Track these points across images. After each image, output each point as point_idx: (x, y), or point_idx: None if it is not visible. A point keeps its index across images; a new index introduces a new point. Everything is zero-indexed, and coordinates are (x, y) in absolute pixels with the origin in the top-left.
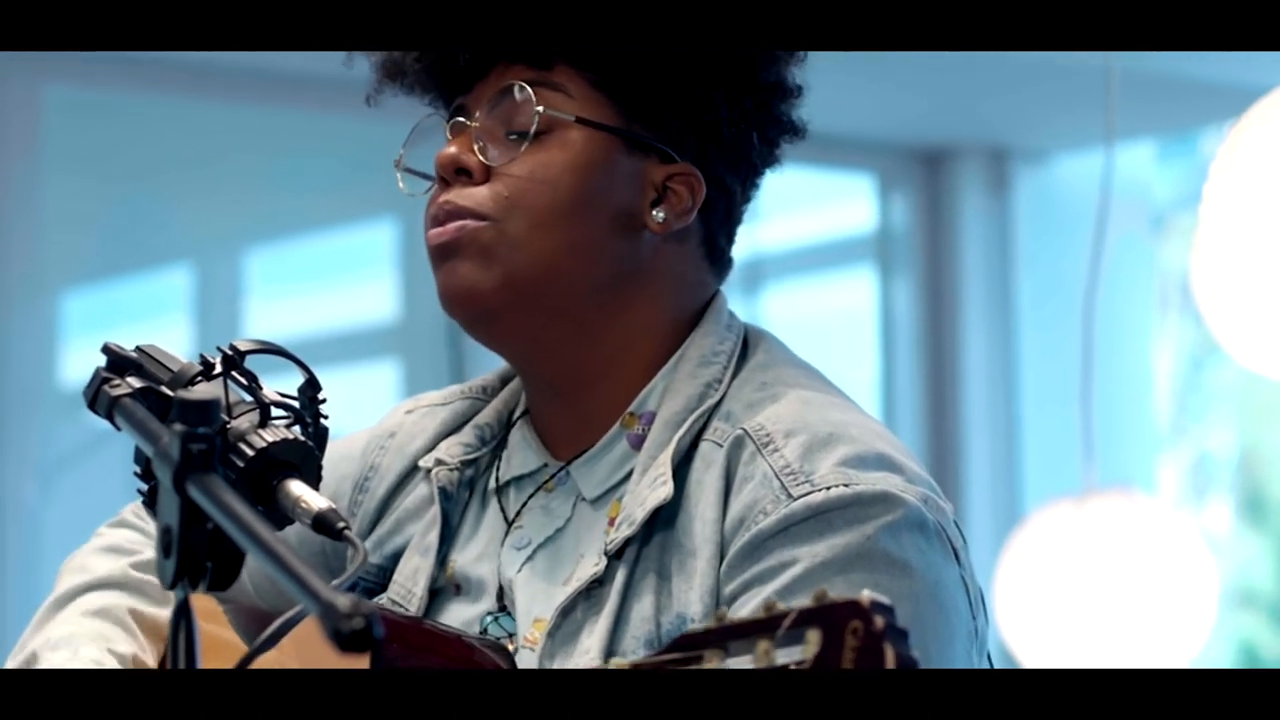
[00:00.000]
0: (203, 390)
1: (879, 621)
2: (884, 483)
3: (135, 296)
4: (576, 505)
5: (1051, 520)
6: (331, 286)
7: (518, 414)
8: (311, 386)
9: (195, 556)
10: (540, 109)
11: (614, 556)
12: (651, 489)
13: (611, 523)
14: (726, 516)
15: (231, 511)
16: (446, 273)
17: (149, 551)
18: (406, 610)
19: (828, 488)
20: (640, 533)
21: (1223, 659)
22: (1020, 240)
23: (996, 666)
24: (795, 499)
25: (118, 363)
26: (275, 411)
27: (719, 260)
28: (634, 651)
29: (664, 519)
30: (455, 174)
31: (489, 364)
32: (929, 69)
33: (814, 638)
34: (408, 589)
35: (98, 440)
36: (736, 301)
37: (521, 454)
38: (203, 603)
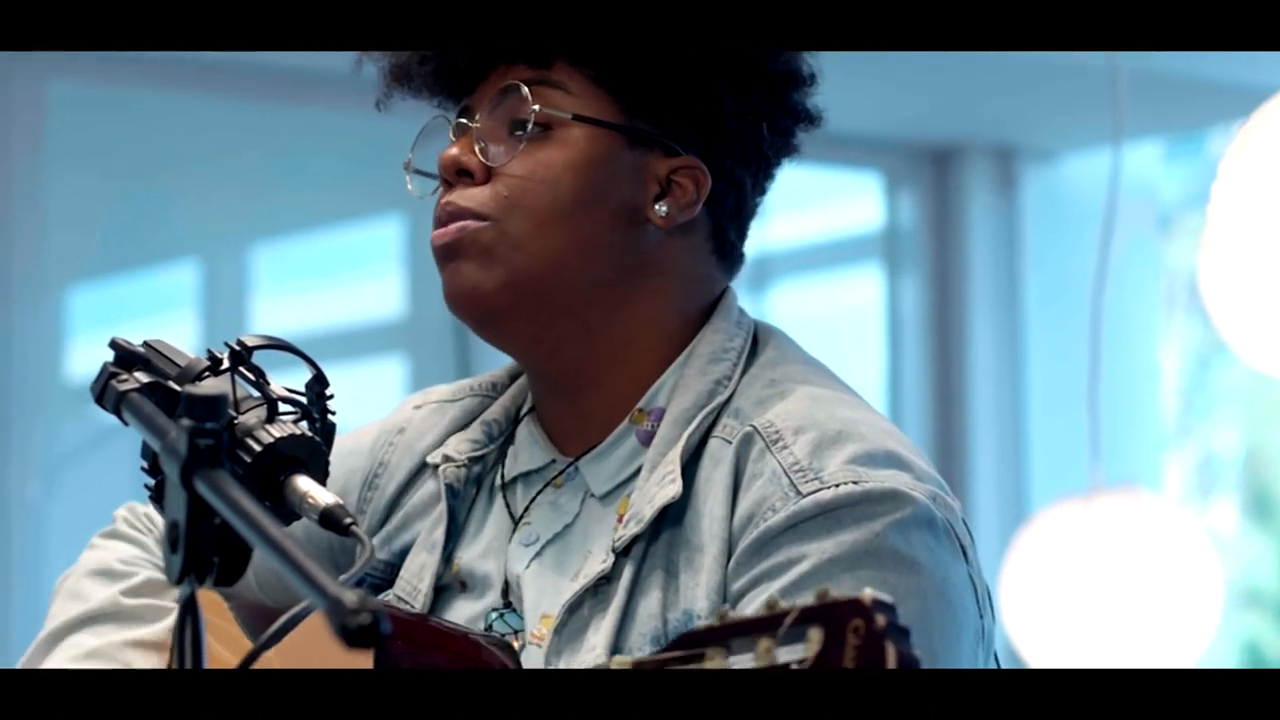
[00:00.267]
0: (210, 385)
1: (880, 620)
2: (893, 480)
3: (141, 293)
4: (585, 501)
5: (1058, 519)
6: (338, 283)
7: (525, 410)
8: (319, 382)
9: (202, 552)
10: (537, 107)
11: (621, 553)
12: (660, 487)
13: (620, 519)
14: (735, 513)
15: (239, 506)
16: (450, 274)
17: (143, 572)
18: (412, 607)
19: (837, 485)
20: (648, 530)
21: (1227, 659)
22: (1027, 239)
23: (1003, 665)
24: (804, 496)
25: (125, 358)
26: (283, 407)
27: (728, 255)
28: (640, 648)
29: (672, 515)
30: (457, 175)
31: (495, 361)
32: (936, 67)
33: (815, 636)
34: (413, 585)
35: (103, 436)
36: (743, 299)
37: (529, 450)
38: (206, 595)
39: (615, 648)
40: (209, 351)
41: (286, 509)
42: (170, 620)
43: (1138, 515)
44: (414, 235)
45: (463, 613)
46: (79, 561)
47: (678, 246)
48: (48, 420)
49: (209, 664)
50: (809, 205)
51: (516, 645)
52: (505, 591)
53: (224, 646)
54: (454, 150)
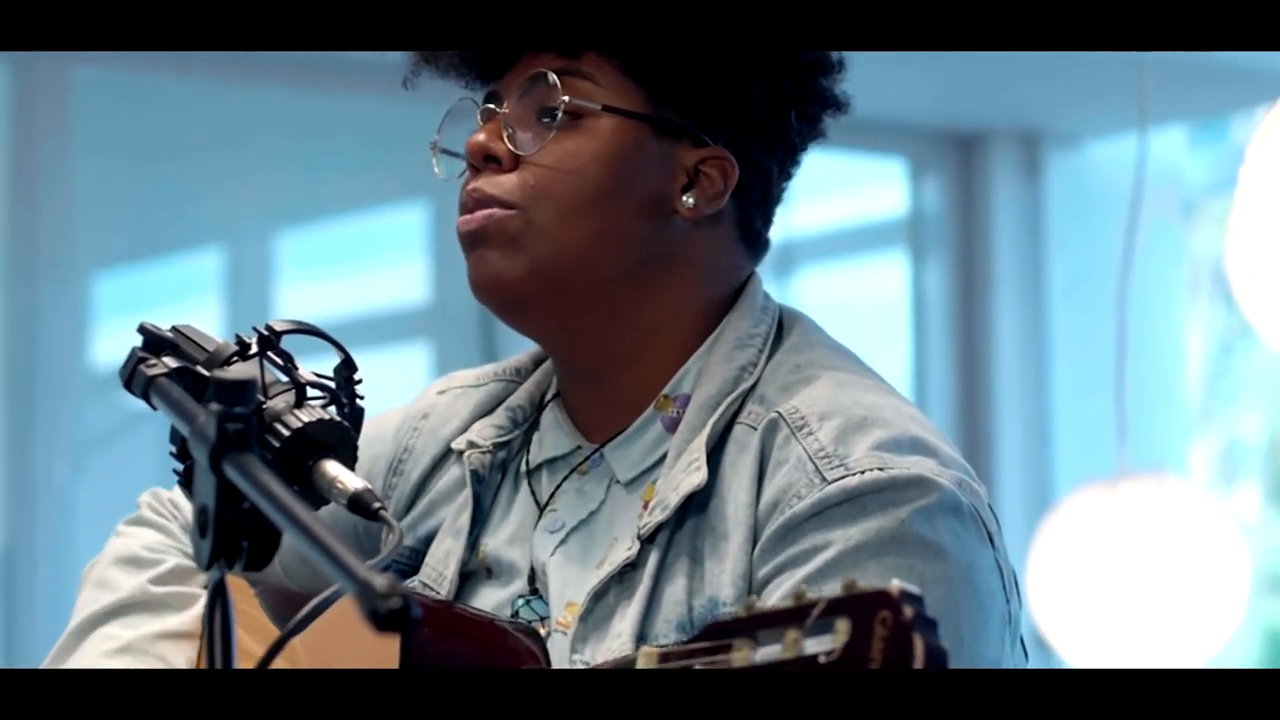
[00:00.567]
0: (239, 370)
1: (908, 611)
2: (918, 466)
3: (166, 279)
4: (610, 488)
5: (1084, 504)
6: (362, 269)
7: (549, 396)
8: (347, 367)
9: (231, 536)
10: (566, 98)
11: (647, 541)
12: (685, 474)
13: (645, 506)
14: (760, 500)
15: (268, 491)
16: (476, 261)
17: (170, 559)
18: (437, 594)
19: (862, 471)
20: (673, 517)
21: (1249, 646)
22: (1052, 225)
23: (1029, 652)
24: (830, 483)
25: (154, 342)
26: (311, 392)
27: (754, 242)
28: (665, 635)
29: (697, 502)
30: (484, 161)
31: (520, 347)
32: (961, 54)
33: (843, 627)
34: (439, 572)
35: (128, 422)
36: (768, 285)
37: (554, 436)
38: (233, 580)
39: (641, 635)
40: (237, 336)
41: (314, 494)
42: (199, 608)
43: (1164, 501)
44: (439, 222)
45: (489, 599)
46: (105, 549)
47: (704, 237)
48: (73, 406)
49: (236, 653)
50: (834, 191)
51: (543, 632)
52: (532, 578)
53: (250, 634)
54: (481, 136)
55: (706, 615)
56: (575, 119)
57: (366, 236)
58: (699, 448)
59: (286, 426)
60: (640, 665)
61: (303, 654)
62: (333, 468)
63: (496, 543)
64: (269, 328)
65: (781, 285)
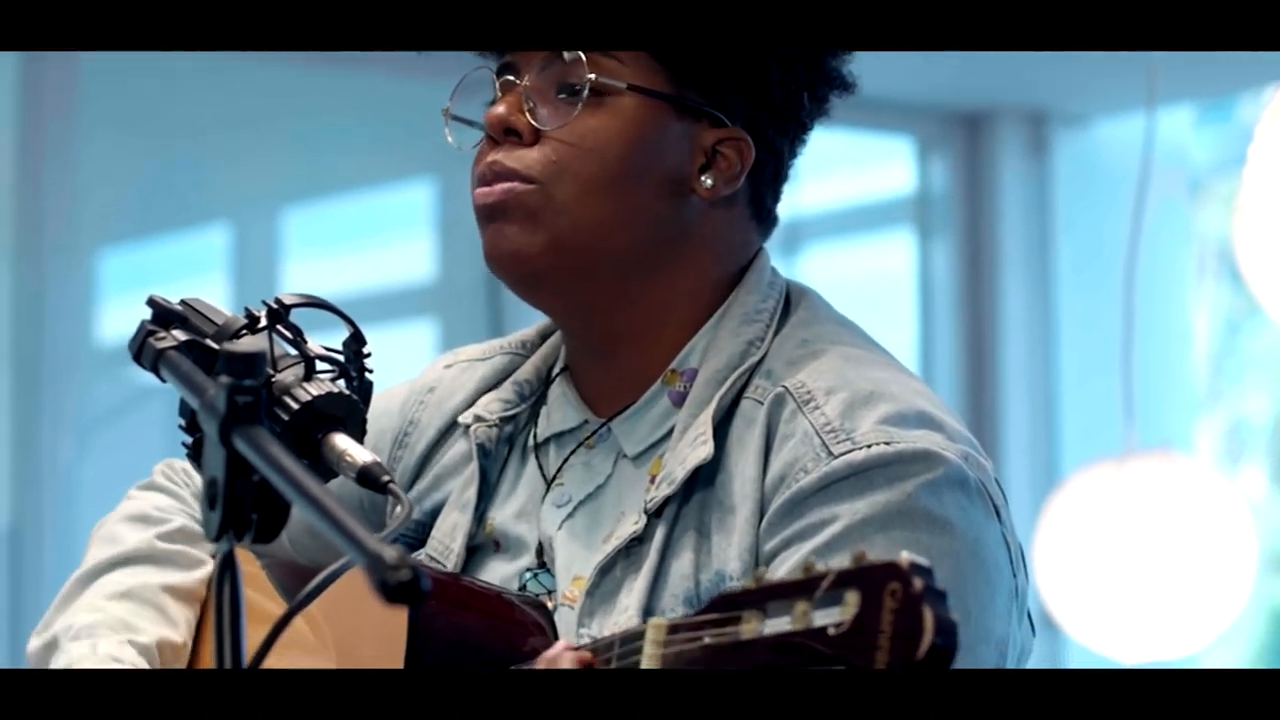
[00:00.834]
0: (248, 343)
1: (918, 583)
2: (925, 440)
3: (172, 255)
4: (618, 462)
5: (1092, 481)
6: (369, 246)
7: (557, 370)
8: (356, 340)
9: (240, 508)
10: (593, 76)
11: (653, 515)
12: (692, 448)
13: (652, 480)
14: (767, 474)
15: (277, 463)
16: (493, 234)
17: (178, 519)
18: (444, 567)
19: (869, 445)
20: (680, 491)
21: (1254, 625)
22: (1059, 204)
23: (1035, 629)
24: (836, 457)
25: (162, 315)
26: (320, 365)
27: (765, 220)
28: (672, 609)
29: (704, 476)
30: (504, 134)
31: (527, 324)
32: None
33: (852, 599)
34: (445, 545)
35: (135, 398)
36: (775, 263)
37: (561, 410)
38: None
39: (647, 609)
40: (246, 310)
41: (323, 467)
42: (204, 571)
43: (1172, 478)
44: (445, 199)
45: (496, 573)
46: (115, 510)
47: (720, 216)
48: (79, 383)
49: (248, 616)
50: (841, 170)
51: (550, 606)
52: (539, 552)
53: (263, 594)
54: (501, 109)
55: (713, 589)
56: (599, 96)
57: (373, 213)
58: (705, 422)
59: (295, 400)
60: (649, 637)
61: (322, 619)
62: (342, 441)
63: (504, 516)
64: (278, 301)
65: (788, 263)
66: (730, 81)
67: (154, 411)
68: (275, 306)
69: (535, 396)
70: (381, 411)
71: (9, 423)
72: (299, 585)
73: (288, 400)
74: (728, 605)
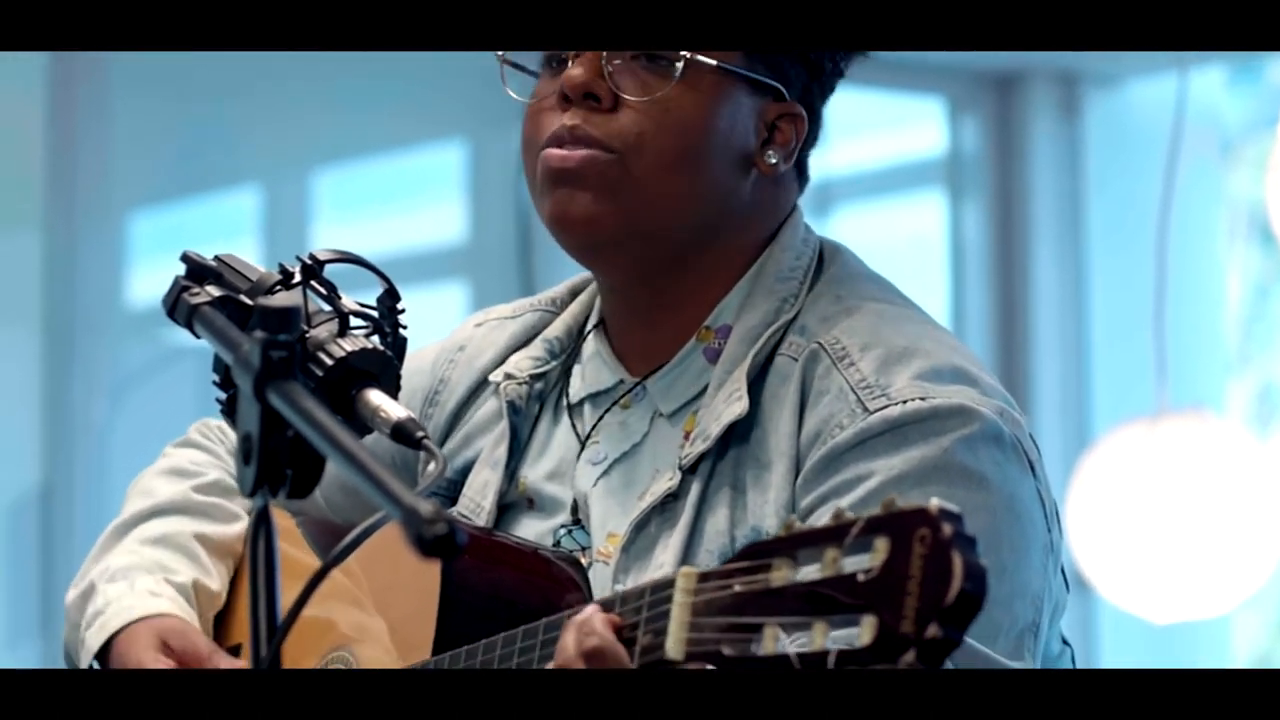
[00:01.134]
0: (283, 298)
1: (947, 529)
2: (960, 396)
3: (203, 217)
4: (653, 421)
5: (1124, 442)
6: (400, 209)
7: (590, 327)
8: (390, 296)
9: (275, 463)
10: (686, 53)
11: (688, 471)
12: (727, 404)
13: (687, 437)
14: (802, 430)
15: (312, 418)
16: (563, 198)
17: (213, 473)
18: (475, 523)
19: (904, 401)
20: (715, 447)
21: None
22: (1090, 165)
23: (1069, 588)
24: (871, 413)
25: (197, 271)
26: (354, 321)
27: (804, 181)
28: (708, 565)
29: (739, 433)
30: (583, 98)
31: (558, 283)
32: None
33: (882, 545)
34: (476, 503)
35: (166, 358)
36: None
37: (596, 368)
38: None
39: (683, 565)
40: (281, 265)
41: (357, 423)
42: (239, 526)
43: (1204, 438)
44: (476, 160)
45: (530, 530)
46: (151, 466)
47: (774, 188)
48: (111, 342)
49: (284, 572)
50: (872, 131)
51: (584, 562)
52: (574, 509)
53: (299, 549)
54: (580, 71)
55: None
56: (682, 69)
57: (404, 175)
58: (740, 378)
59: (330, 355)
60: (679, 585)
61: (360, 572)
62: (376, 397)
63: (536, 475)
64: (312, 256)
65: (819, 224)
66: (793, 56)
67: (185, 372)
68: (309, 262)
69: (566, 354)
70: (413, 370)
71: (41, 383)
72: (333, 543)
73: (322, 356)
74: (758, 554)
